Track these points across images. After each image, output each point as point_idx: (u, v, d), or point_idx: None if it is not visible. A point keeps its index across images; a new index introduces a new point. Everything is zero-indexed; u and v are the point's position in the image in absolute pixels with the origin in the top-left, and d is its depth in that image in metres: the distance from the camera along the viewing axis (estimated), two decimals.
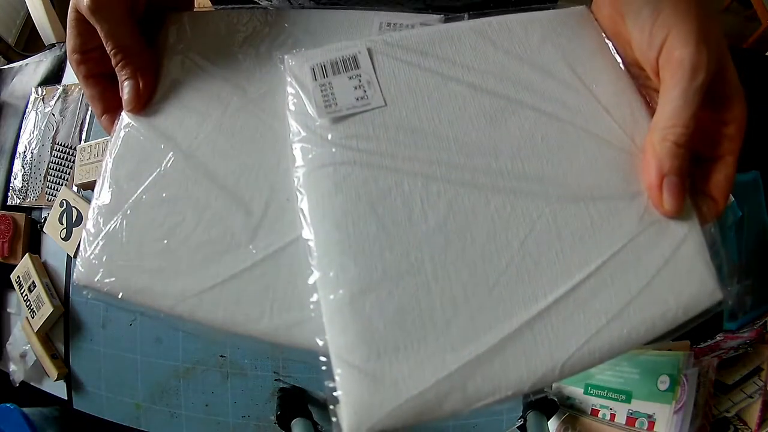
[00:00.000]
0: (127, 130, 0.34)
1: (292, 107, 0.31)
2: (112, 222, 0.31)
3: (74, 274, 0.31)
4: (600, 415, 0.53)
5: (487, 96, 0.31)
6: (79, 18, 0.33)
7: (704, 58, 0.26)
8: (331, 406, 0.25)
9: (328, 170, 0.29)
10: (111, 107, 0.35)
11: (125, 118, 0.34)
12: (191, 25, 0.37)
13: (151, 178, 0.32)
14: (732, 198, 0.54)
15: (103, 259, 0.31)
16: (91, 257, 0.31)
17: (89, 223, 0.32)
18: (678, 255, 0.28)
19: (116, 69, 0.34)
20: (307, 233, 0.28)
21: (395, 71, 0.32)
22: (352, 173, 0.29)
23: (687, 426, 0.48)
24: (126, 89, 0.33)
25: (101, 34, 0.33)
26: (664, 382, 0.50)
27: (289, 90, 0.32)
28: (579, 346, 0.26)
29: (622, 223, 0.28)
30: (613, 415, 0.52)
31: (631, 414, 0.51)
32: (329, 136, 0.30)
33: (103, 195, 0.32)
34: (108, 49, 0.33)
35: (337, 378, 0.25)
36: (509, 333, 0.26)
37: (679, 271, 0.27)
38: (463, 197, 0.29)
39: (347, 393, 0.25)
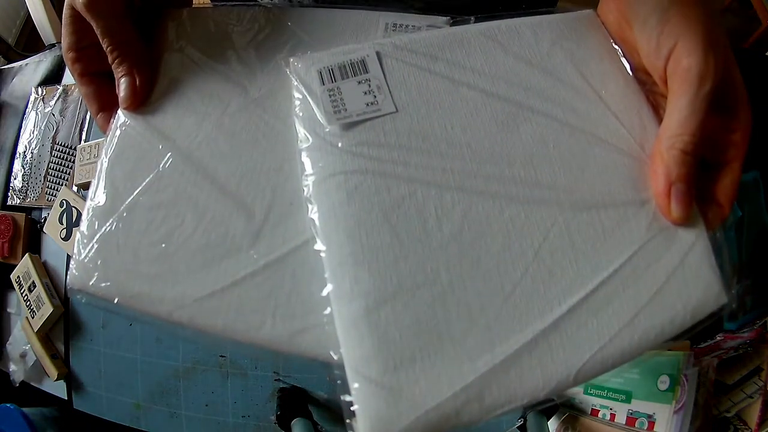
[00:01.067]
0: (123, 129, 0.33)
1: (299, 112, 0.31)
2: (108, 224, 0.30)
3: (68, 277, 0.30)
4: (600, 415, 0.53)
5: (498, 101, 0.31)
6: (75, 15, 0.33)
7: (711, 67, 0.27)
8: (348, 420, 0.25)
9: (339, 179, 0.29)
10: (107, 106, 0.34)
11: (121, 116, 0.33)
12: (190, 21, 0.36)
13: (148, 179, 0.31)
14: None
15: (98, 263, 0.30)
16: (86, 260, 0.30)
17: (84, 225, 0.31)
18: (686, 262, 0.28)
19: (112, 66, 0.33)
20: (319, 244, 0.28)
21: (405, 76, 0.31)
22: (364, 182, 0.29)
23: (687, 426, 0.48)
24: (122, 86, 0.33)
25: (97, 31, 0.32)
26: (664, 382, 0.50)
27: (296, 94, 0.31)
28: (593, 353, 0.26)
29: (632, 230, 0.28)
30: (613, 415, 0.52)
31: (631, 414, 0.51)
32: (339, 144, 0.29)
33: (98, 196, 0.31)
34: (104, 45, 0.33)
35: (353, 391, 0.25)
36: (525, 342, 0.26)
37: (687, 277, 0.28)
38: (477, 206, 0.28)
39: (364, 406, 0.25)
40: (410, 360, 0.25)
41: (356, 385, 0.25)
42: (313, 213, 0.29)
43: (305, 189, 0.29)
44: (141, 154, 0.32)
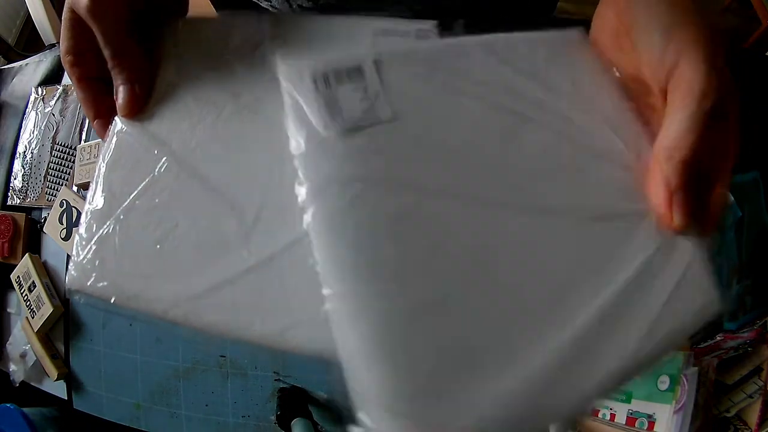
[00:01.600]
0: (120, 135, 0.33)
1: (293, 119, 0.30)
2: (105, 227, 0.31)
3: (66, 278, 0.31)
4: (600, 415, 0.53)
5: (497, 112, 0.31)
6: (75, 18, 0.32)
7: (714, 84, 0.27)
8: None
9: (336, 188, 0.28)
10: (104, 113, 0.34)
11: (119, 122, 0.33)
12: (186, 29, 0.36)
13: (144, 184, 0.32)
14: (732, 198, 0.54)
15: (96, 264, 0.30)
16: (84, 261, 0.31)
17: (82, 228, 0.31)
18: (688, 271, 0.28)
19: (112, 73, 0.33)
20: (317, 256, 0.27)
21: (403, 83, 0.31)
22: (363, 192, 0.28)
23: (687, 426, 0.48)
24: (121, 94, 0.33)
25: (98, 37, 0.32)
26: (664, 382, 0.50)
27: (289, 101, 0.31)
28: (610, 368, 0.26)
29: (636, 243, 0.28)
30: (613, 415, 0.52)
31: (631, 414, 0.51)
32: (334, 151, 0.29)
33: (95, 199, 0.32)
34: (105, 52, 0.33)
35: (361, 420, 0.24)
36: (539, 365, 0.25)
37: (691, 285, 0.28)
38: (476, 218, 0.28)
39: None
40: (423, 386, 0.24)
41: (366, 413, 0.24)
42: (308, 222, 0.28)
43: (299, 197, 0.29)
44: (137, 159, 0.32)
